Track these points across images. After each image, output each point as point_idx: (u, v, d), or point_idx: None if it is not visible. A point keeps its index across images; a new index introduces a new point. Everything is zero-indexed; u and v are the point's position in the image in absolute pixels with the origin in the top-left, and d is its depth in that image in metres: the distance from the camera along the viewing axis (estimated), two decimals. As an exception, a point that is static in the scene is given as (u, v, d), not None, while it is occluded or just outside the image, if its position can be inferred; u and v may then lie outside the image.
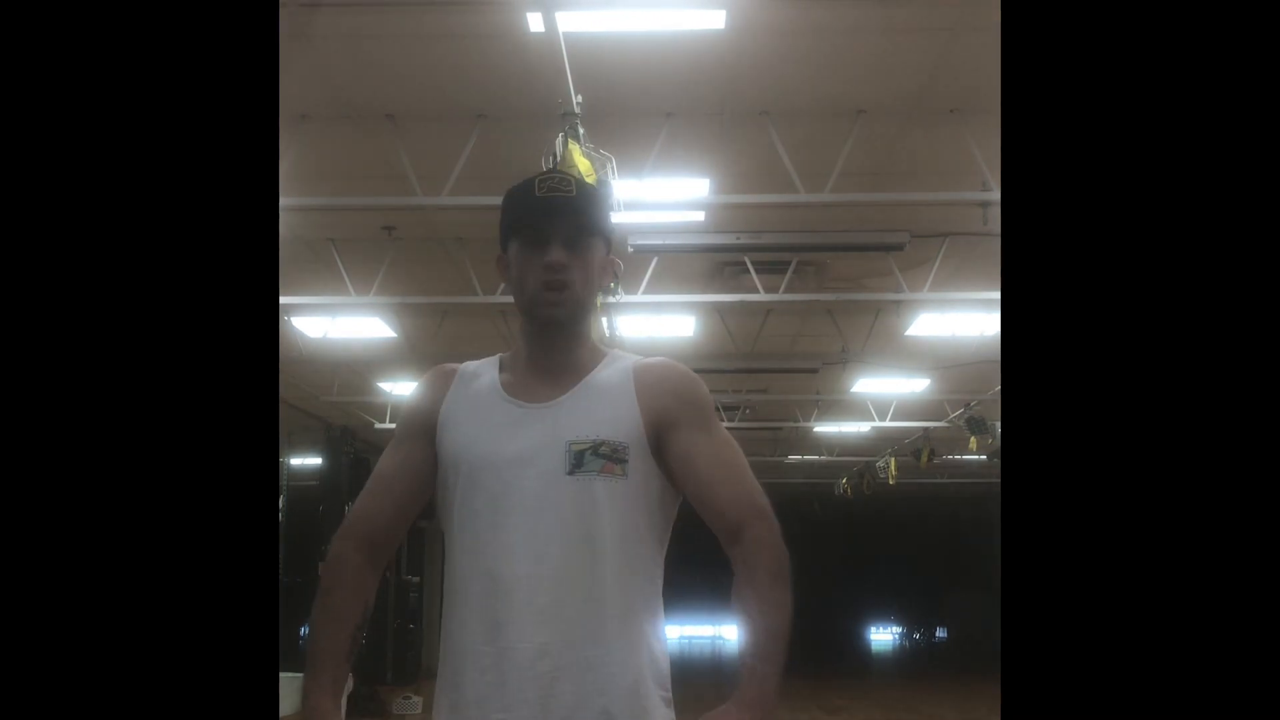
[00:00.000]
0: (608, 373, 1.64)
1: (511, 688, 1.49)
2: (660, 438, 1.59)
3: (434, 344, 8.91)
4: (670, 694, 1.57)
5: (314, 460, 12.65)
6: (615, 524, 1.54)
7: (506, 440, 1.57)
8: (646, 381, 1.62)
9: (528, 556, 1.51)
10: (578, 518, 1.53)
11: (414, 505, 1.68)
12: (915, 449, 12.66)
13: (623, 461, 1.56)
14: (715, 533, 1.58)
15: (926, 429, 12.15)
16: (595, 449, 1.55)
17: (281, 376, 7.05)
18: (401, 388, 10.92)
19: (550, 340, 1.64)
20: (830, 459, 14.55)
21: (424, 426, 1.65)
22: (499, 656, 1.50)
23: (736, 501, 1.57)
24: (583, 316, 1.65)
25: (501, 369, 1.68)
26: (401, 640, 13.88)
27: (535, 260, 1.59)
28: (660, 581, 1.61)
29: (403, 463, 1.66)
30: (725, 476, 1.59)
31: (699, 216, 6.41)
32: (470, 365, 1.71)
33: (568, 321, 1.63)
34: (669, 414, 1.60)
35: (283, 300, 6.09)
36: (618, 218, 4.70)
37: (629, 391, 1.61)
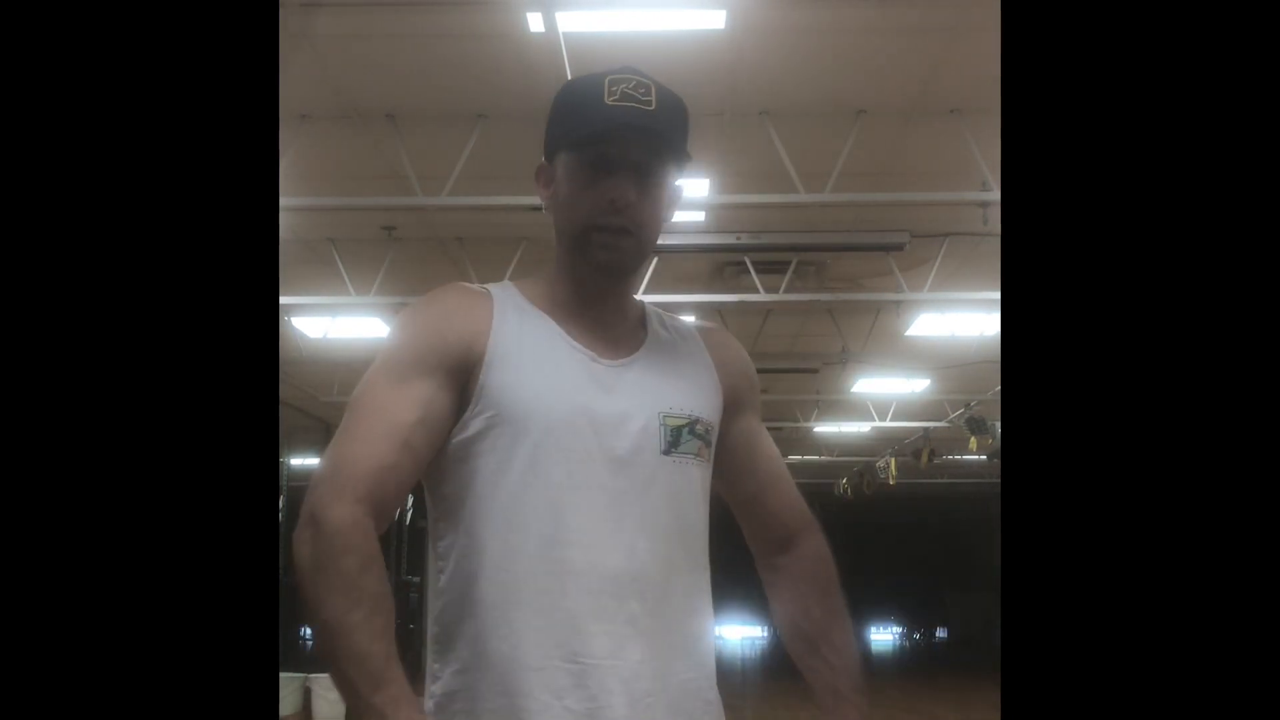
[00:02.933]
0: (670, 333, 1.36)
1: (602, 715, 1.18)
2: (725, 420, 1.35)
3: (434, 344, 8.90)
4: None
5: (314, 460, 12.65)
6: (701, 516, 1.30)
7: (590, 400, 1.24)
8: (722, 353, 1.37)
9: (618, 548, 1.21)
10: (670, 507, 1.25)
11: (428, 461, 1.25)
12: (915, 449, 12.67)
13: (710, 445, 1.30)
14: (756, 539, 1.39)
15: (926, 429, 12.16)
16: (691, 426, 1.28)
17: (281, 376, 7.06)
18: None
19: (605, 286, 1.32)
20: (830, 459, 14.55)
21: (458, 360, 1.24)
22: (584, 674, 1.18)
23: (792, 509, 1.39)
24: (644, 261, 1.34)
25: (543, 308, 1.31)
26: (401, 640, 13.82)
27: (594, 189, 1.26)
28: None
29: (427, 405, 1.22)
30: (782, 479, 1.41)
31: (699, 216, 6.42)
32: (501, 291, 1.32)
33: (627, 269, 1.31)
34: (740, 396, 1.37)
35: (283, 300, 6.09)
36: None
37: (707, 362, 1.35)
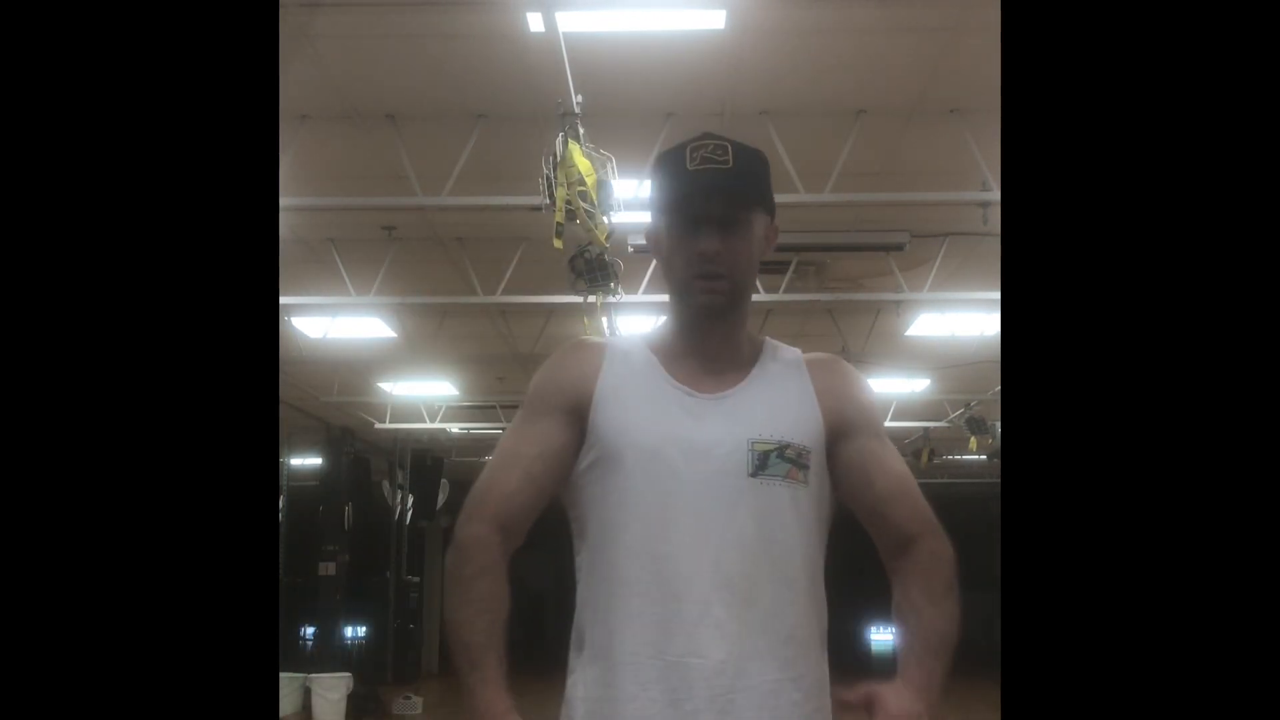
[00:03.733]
0: (777, 366, 1.51)
1: (683, 707, 1.34)
2: (835, 443, 1.47)
3: (434, 344, 8.91)
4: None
5: (314, 460, 12.66)
6: (797, 535, 1.42)
7: (682, 429, 1.42)
8: (825, 381, 1.50)
9: (705, 561, 1.36)
10: (758, 525, 1.39)
11: (552, 490, 1.48)
12: (915, 449, 12.66)
13: (805, 467, 1.43)
14: (880, 545, 1.50)
15: (926, 429, 12.15)
16: (780, 451, 1.42)
17: (281, 377, 7.06)
18: (401, 388, 10.92)
19: (708, 326, 1.48)
20: (830, 459, 14.55)
21: (572, 402, 1.46)
22: (667, 670, 1.35)
23: (914, 516, 1.48)
24: (743, 300, 1.50)
25: (654, 351, 1.50)
26: (402, 640, 13.87)
27: (687, 244, 1.44)
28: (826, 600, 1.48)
29: (545, 440, 1.45)
30: (902, 489, 1.49)
31: (699, 216, 6.40)
32: (618, 341, 1.55)
33: (726, 308, 1.47)
34: (846, 418, 1.48)
35: (283, 300, 6.09)
36: (618, 218, 4.70)
37: (808, 390, 1.48)
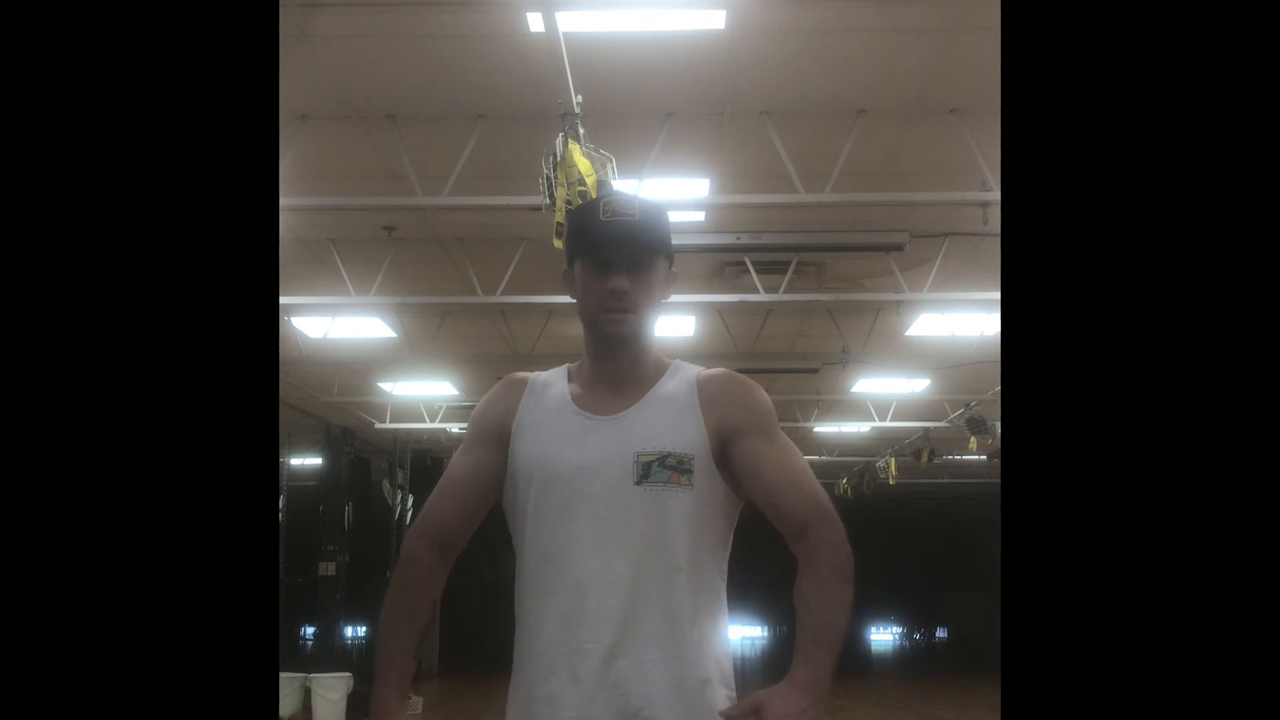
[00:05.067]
0: (672, 385, 1.70)
1: (584, 686, 1.55)
2: (724, 447, 1.65)
3: (434, 344, 8.91)
4: (735, 694, 1.62)
5: (314, 460, 12.65)
6: (682, 532, 1.60)
7: (577, 451, 1.64)
8: (710, 393, 1.68)
9: (599, 562, 1.58)
10: (646, 526, 1.59)
11: (483, 508, 1.75)
12: (915, 449, 12.66)
13: (688, 472, 1.62)
14: (783, 534, 1.65)
15: (926, 429, 12.15)
16: (662, 460, 1.61)
17: (281, 376, 7.06)
18: (401, 388, 10.91)
19: (614, 353, 1.70)
20: (830, 459, 14.55)
21: (496, 434, 1.72)
22: (571, 656, 1.57)
23: (802, 504, 1.63)
24: (645, 331, 1.70)
25: (570, 379, 1.74)
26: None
27: (599, 283, 1.66)
28: (724, 586, 1.68)
29: (474, 467, 1.73)
30: (791, 481, 1.64)
31: (699, 216, 6.41)
32: (541, 375, 1.78)
33: (630, 337, 1.68)
34: (732, 424, 1.65)
35: (283, 300, 6.09)
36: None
37: (693, 404, 1.67)
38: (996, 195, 5.19)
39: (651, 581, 1.58)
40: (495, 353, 9.49)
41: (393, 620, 1.68)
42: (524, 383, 1.77)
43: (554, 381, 1.75)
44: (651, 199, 1.76)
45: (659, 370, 1.73)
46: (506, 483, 1.71)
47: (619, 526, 1.59)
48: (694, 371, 1.73)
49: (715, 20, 4.46)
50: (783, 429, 1.73)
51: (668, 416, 1.66)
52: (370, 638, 13.56)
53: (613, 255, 1.66)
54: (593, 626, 1.56)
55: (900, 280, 7.05)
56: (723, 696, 1.60)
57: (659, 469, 1.61)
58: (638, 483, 1.61)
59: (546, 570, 1.61)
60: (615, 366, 1.70)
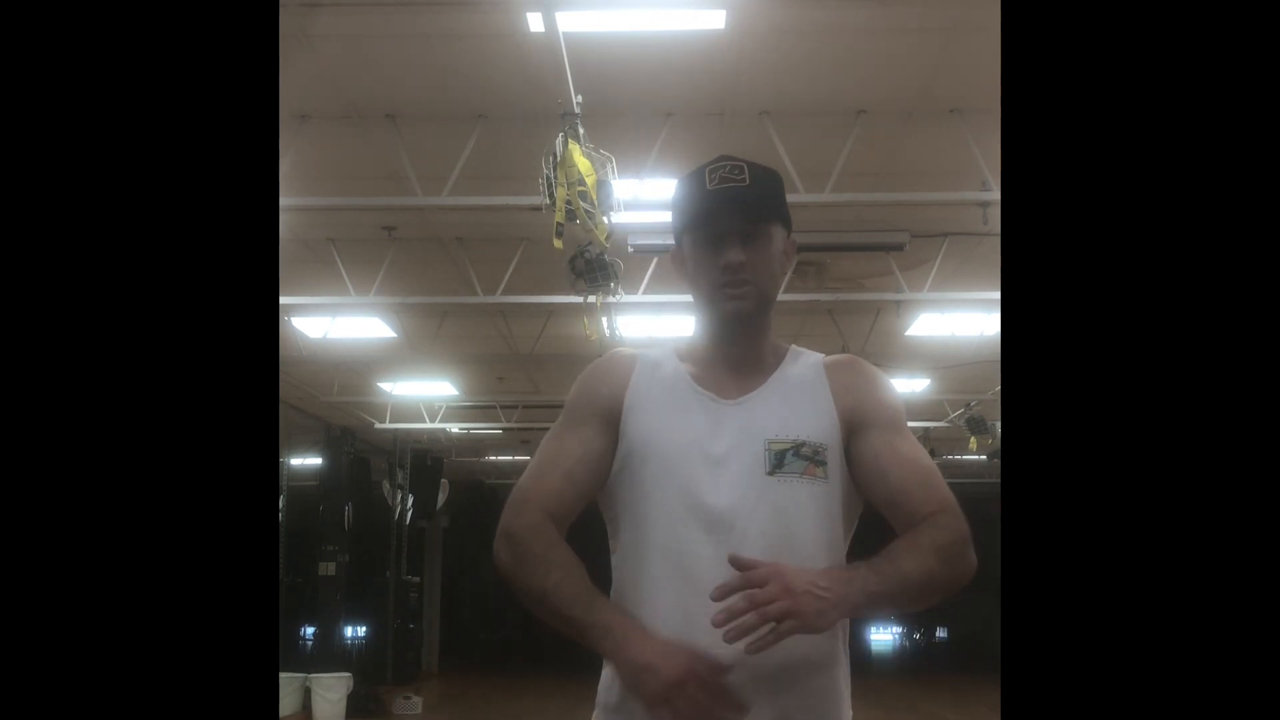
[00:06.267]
0: (797, 369, 1.58)
1: None
2: (850, 438, 1.53)
3: (434, 344, 8.91)
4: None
5: (314, 460, 12.65)
6: (817, 529, 1.48)
7: (702, 434, 1.50)
8: (841, 379, 1.56)
9: (723, 556, 1.40)
10: (778, 520, 1.46)
11: (590, 494, 1.56)
12: (915, 449, 12.65)
13: (823, 463, 1.49)
14: (899, 531, 1.50)
15: (926, 429, 12.15)
16: (796, 449, 1.49)
17: (281, 376, 7.05)
18: (401, 388, 10.92)
19: (734, 333, 1.56)
20: (830, 459, 14.55)
21: (606, 411, 1.56)
22: None
23: (928, 501, 1.48)
24: (766, 308, 1.57)
25: (682, 359, 1.60)
26: (401, 640, 13.87)
27: (711, 259, 1.52)
28: None
29: (583, 447, 1.55)
30: (920, 480, 1.51)
31: (699, 216, 6.40)
32: (650, 353, 1.63)
33: (753, 314, 1.55)
34: (862, 414, 1.54)
35: (283, 300, 6.09)
36: (618, 218, 4.70)
37: (823, 390, 1.55)
38: (996, 195, 5.18)
39: None
40: (495, 353, 9.49)
41: (556, 576, 1.42)
42: (634, 358, 1.61)
43: (664, 361, 1.60)
44: (761, 164, 1.58)
45: (777, 354, 1.60)
46: (615, 464, 1.54)
47: (749, 519, 1.45)
48: (817, 356, 1.61)
49: (715, 20, 4.46)
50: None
51: (798, 402, 1.53)
52: (370, 637, 13.58)
53: (725, 227, 1.51)
54: (717, 631, 1.35)
55: (900, 280, 7.05)
56: (848, 713, 1.50)
57: (793, 459, 1.48)
58: (770, 473, 1.47)
59: (664, 563, 1.45)
60: (735, 347, 1.56)
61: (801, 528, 1.47)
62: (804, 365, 1.59)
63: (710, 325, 1.58)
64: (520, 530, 1.48)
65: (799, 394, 1.54)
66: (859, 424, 1.53)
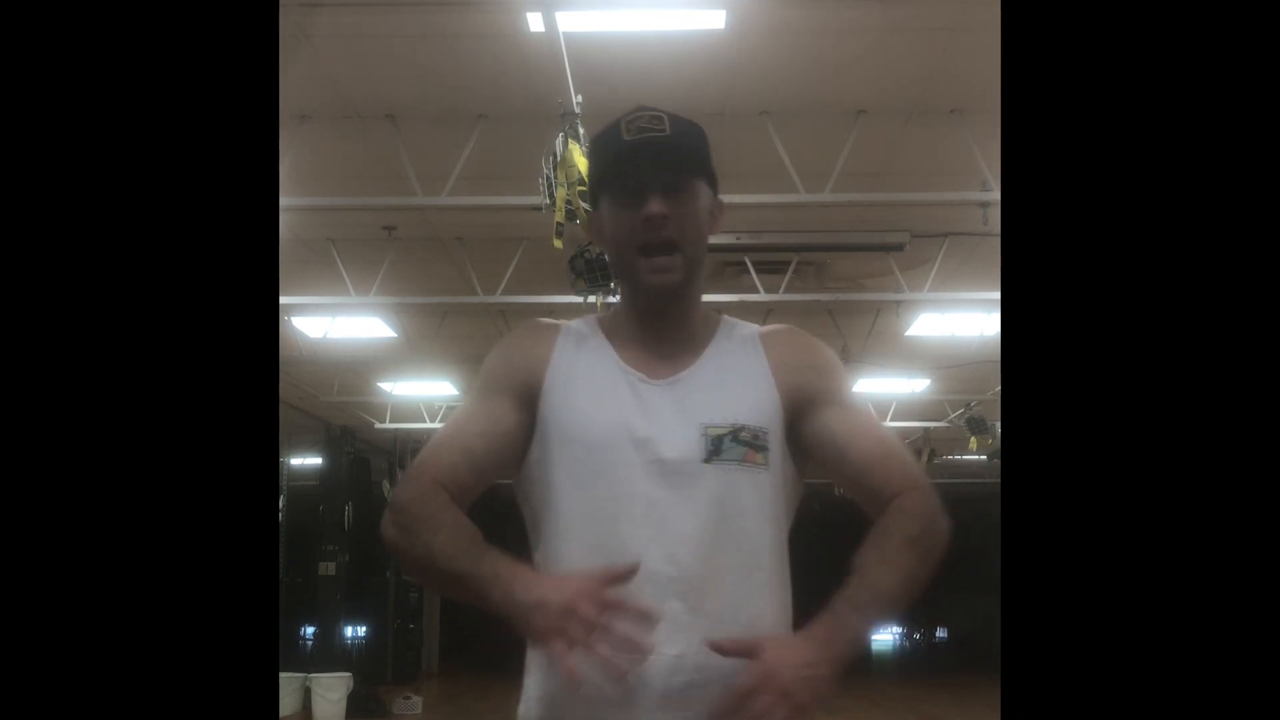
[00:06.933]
0: (731, 344, 1.44)
1: (639, 703, 1.27)
2: (796, 418, 1.40)
3: (434, 344, 8.91)
4: None
5: (314, 460, 12.66)
6: (757, 522, 1.35)
7: (631, 418, 1.36)
8: (780, 355, 1.43)
9: (657, 556, 1.30)
10: (716, 513, 1.33)
11: (493, 474, 1.41)
12: (915, 449, 12.65)
13: (764, 449, 1.36)
14: (870, 512, 1.40)
15: (926, 429, 12.15)
16: (735, 434, 1.35)
17: (281, 376, 7.06)
18: (401, 388, 10.92)
19: (660, 308, 1.41)
20: (830, 459, 14.56)
21: (522, 386, 1.40)
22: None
23: (893, 478, 1.37)
24: (695, 277, 1.41)
25: (606, 334, 1.45)
26: (401, 640, 13.87)
27: (631, 216, 1.36)
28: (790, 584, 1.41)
29: (488, 422, 1.40)
30: (882, 453, 1.39)
31: (699, 216, 6.40)
32: (573, 324, 1.47)
33: (680, 286, 1.39)
34: (809, 392, 1.40)
35: (283, 300, 6.09)
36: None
37: (761, 366, 1.41)
38: (996, 195, 5.19)
39: (720, 579, 1.32)
40: (495, 352, 9.47)
41: (443, 536, 1.29)
42: (556, 330, 1.45)
43: (587, 334, 1.45)
44: (684, 116, 1.41)
45: (709, 327, 1.45)
46: (532, 448, 1.39)
47: (683, 512, 1.32)
48: (752, 328, 1.47)
49: (715, 20, 4.46)
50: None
51: (735, 382, 1.39)
52: (370, 637, 13.58)
53: (644, 179, 1.35)
54: (654, 633, 1.25)
55: (900, 280, 7.05)
56: None
57: (732, 444, 1.34)
58: (706, 460, 1.33)
59: (588, 561, 1.30)
60: (662, 323, 1.41)
61: (741, 521, 1.34)
62: (739, 339, 1.45)
63: (634, 298, 1.43)
64: (405, 499, 1.34)
65: (735, 372, 1.41)
66: (806, 403, 1.40)
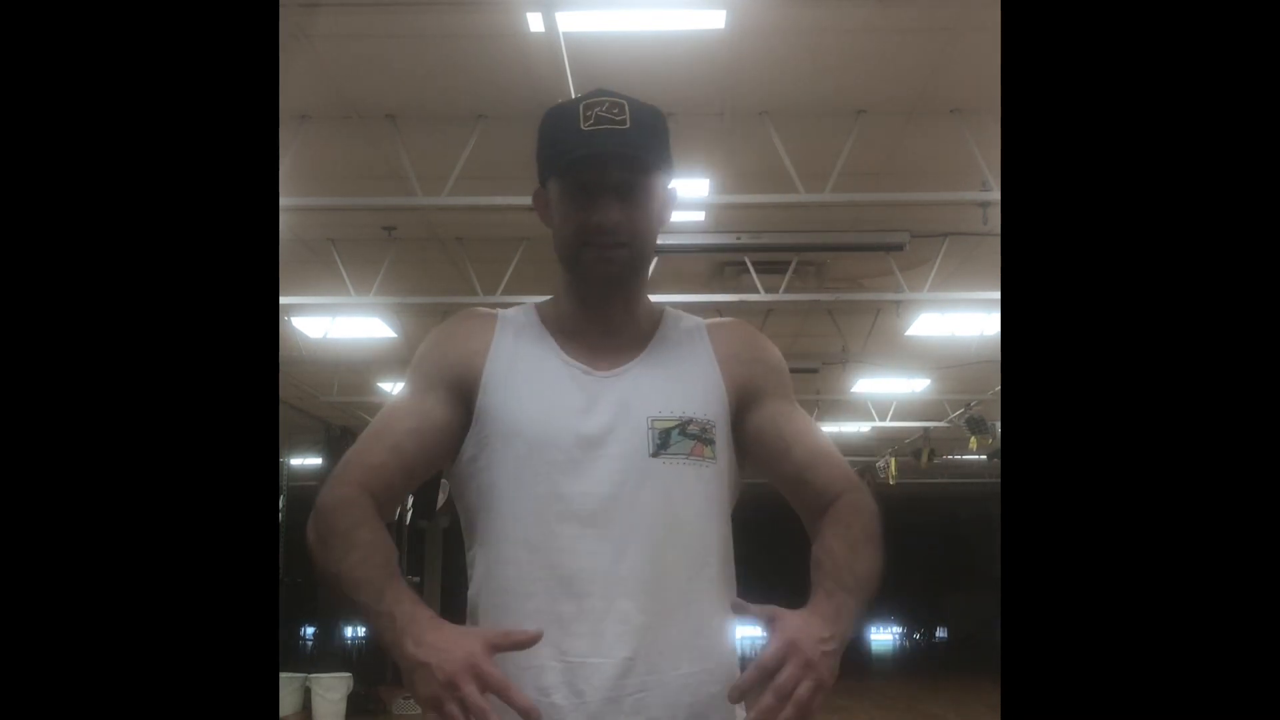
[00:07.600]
0: (677, 335, 1.40)
1: (590, 707, 1.24)
2: (744, 411, 1.37)
3: (434, 344, 8.90)
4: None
5: (314, 460, 12.66)
6: (705, 517, 1.32)
7: (574, 412, 1.31)
8: (727, 347, 1.40)
9: (605, 553, 1.26)
10: (664, 508, 1.29)
11: (423, 472, 1.37)
12: (915, 449, 12.67)
13: (711, 442, 1.33)
14: (802, 511, 1.39)
15: (926, 429, 12.16)
16: (682, 427, 1.31)
17: (281, 377, 7.06)
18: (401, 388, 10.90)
19: (603, 296, 1.37)
20: (830, 459, 14.56)
21: (457, 380, 1.34)
22: (570, 672, 1.24)
23: (835, 479, 1.36)
24: (642, 269, 1.38)
25: (545, 323, 1.39)
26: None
27: (581, 214, 1.32)
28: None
29: (419, 418, 1.34)
30: (824, 452, 1.38)
31: (699, 216, 6.42)
32: (509, 313, 1.42)
33: (623, 278, 1.36)
34: (756, 385, 1.38)
35: (283, 300, 6.09)
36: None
37: (708, 358, 1.38)
38: (996, 195, 5.19)
39: (670, 577, 1.28)
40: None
41: (355, 558, 1.24)
42: (492, 320, 1.39)
43: (525, 324, 1.39)
44: (644, 102, 1.37)
45: (653, 318, 1.41)
46: (467, 445, 1.34)
47: (630, 509, 1.27)
48: (696, 320, 1.43)
49: (715, 20, 4.46)
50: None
51: (682, 374, 1.36)
52: (370, 638, 13.57)
53: (599, 177, 1.30)
54: (600, 636, 1.24)
55: (900, 280, 7.05)
56: (742, 714, 1.31)
57: (680, 438, 1.31)
58: (654, 454, 1.30)
59: (532, 561, 1.26)
60: (605, 313, 1.37)
61: (689, 516, 1.30)
62: (684, 331, 1.41)
63: (575, 286, 1.38)
64: (327, 505, 1.28)
65: (682, 364, 1.37)
66: (752, 396, 1.37)
